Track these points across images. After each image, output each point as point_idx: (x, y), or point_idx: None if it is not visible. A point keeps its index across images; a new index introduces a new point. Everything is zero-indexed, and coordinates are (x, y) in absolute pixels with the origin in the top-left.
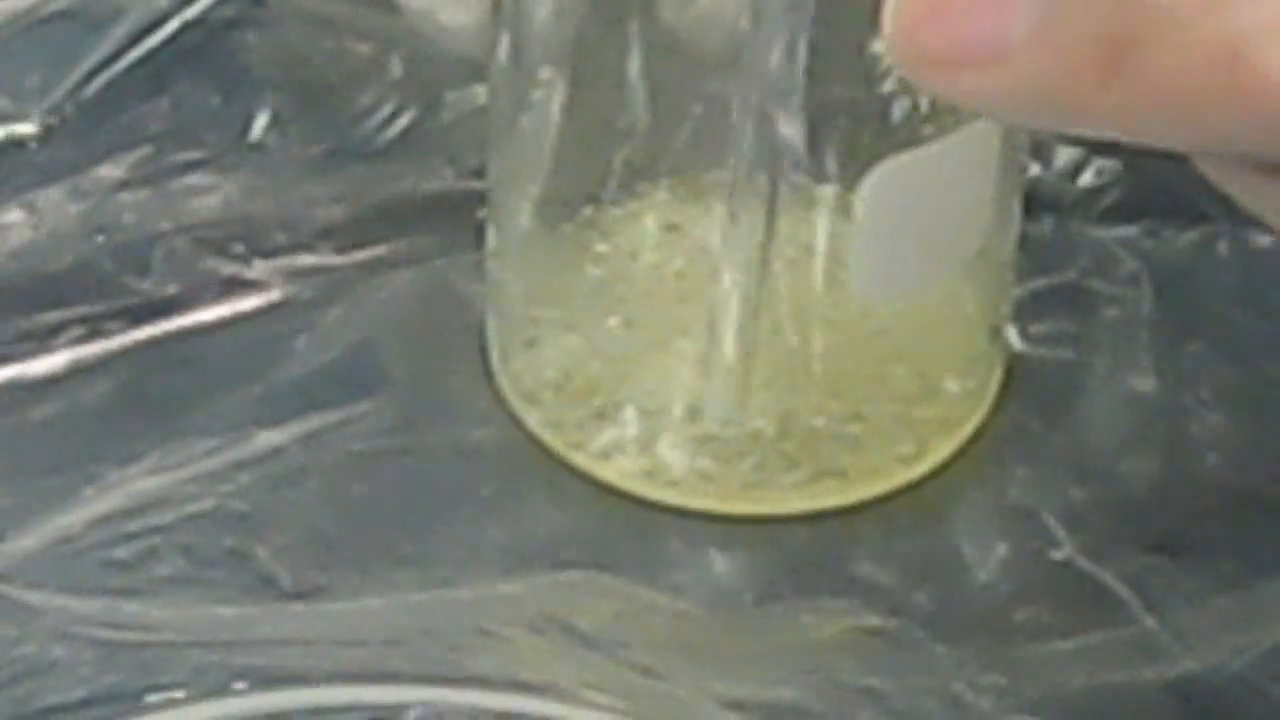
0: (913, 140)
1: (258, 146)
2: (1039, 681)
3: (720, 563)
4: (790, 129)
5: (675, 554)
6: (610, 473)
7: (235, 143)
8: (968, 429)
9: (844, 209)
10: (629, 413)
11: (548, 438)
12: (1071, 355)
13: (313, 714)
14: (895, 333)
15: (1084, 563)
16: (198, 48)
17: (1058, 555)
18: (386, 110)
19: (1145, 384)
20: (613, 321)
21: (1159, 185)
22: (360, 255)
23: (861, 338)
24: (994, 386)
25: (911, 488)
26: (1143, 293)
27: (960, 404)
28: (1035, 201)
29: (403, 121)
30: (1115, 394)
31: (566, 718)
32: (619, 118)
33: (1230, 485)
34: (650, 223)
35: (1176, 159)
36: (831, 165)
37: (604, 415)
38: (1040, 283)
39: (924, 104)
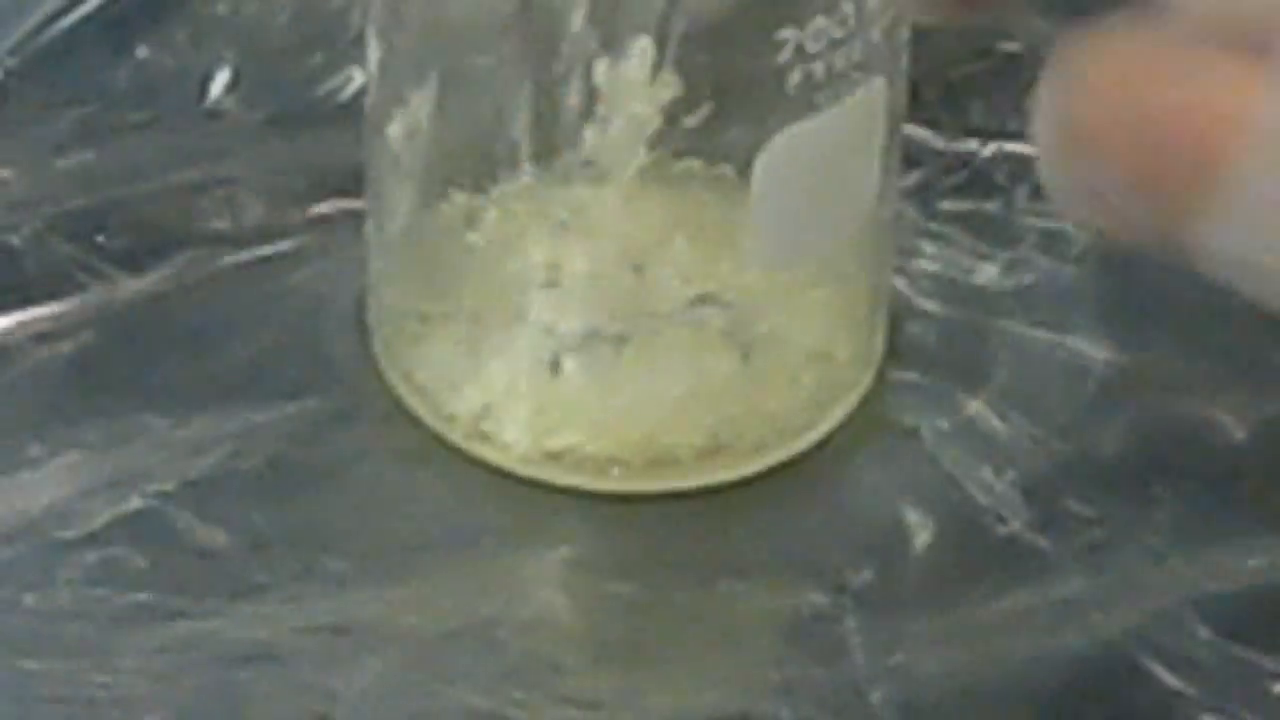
0: (804, 110)
1: (213, 109)
2: (965, 652)
3: (619, 550)
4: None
5: (583, 542)
6: (511, 460)
7: (190, 104)
8: (855, 395)
9: (726, 184)
10: (520, 400)
11: (442, 429)
12: (1018, 322)
13: None
14: (783, 301)
15: (1002, 527)
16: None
17: (985, 520)
18: (343, 74)
19: (1088, 351)
20: (496, 314)
21: None
22: (312, 215)
23: (750, 308)
24: (879, 350)
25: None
26: (1090, 260)
27: (848, 370)
28: (987, 181)
29: (360, 85)
30: (1062, 360)
31: None
32: (494, 115)
33: (1172, 455)
34: (522, 211)
35: None
36: (725, 139)
37: (495, 404)
38: (986, 257)
39: (819, 71)
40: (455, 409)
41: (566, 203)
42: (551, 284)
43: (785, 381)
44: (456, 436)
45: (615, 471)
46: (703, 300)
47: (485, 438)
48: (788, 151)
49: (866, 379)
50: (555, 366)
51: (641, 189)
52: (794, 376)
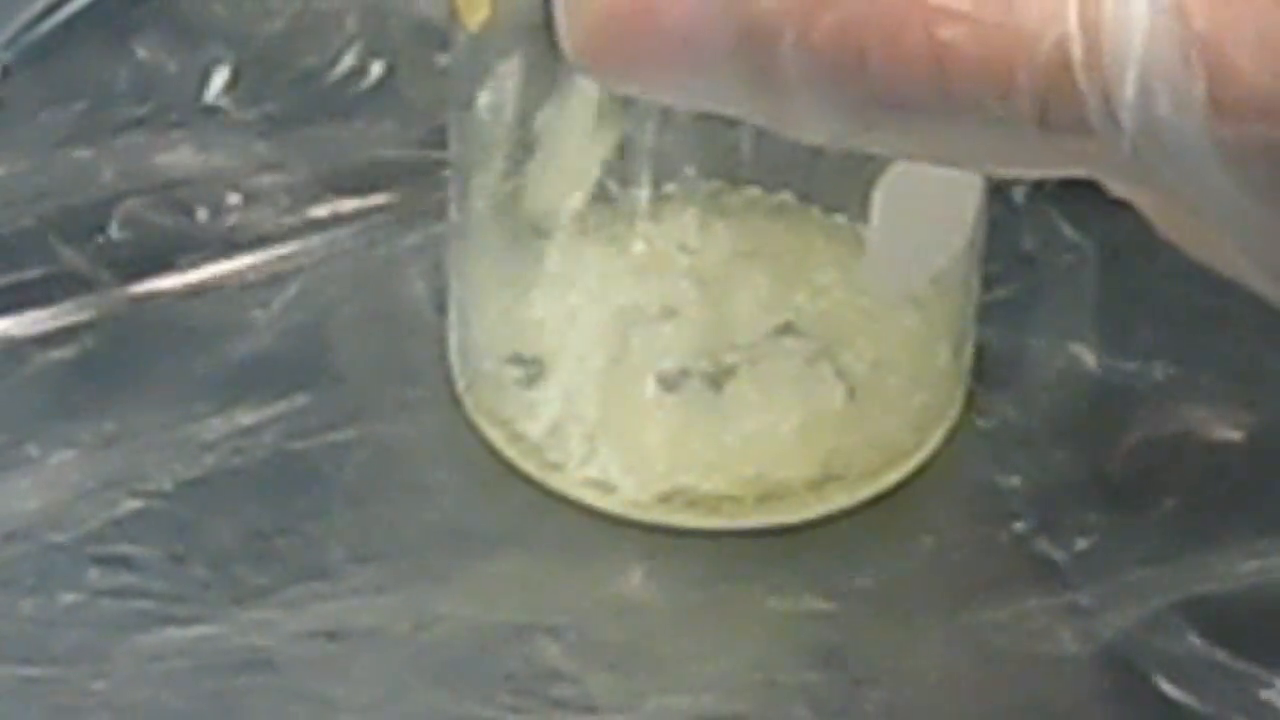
0: None
1: (211, 107)
2: (963, 655)
3: (651, 566)
4: None
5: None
6: (622, 505)
7: (189, 102)
8: (953, 412)
9: (789, 210)
10: (624, 444)
11: (550, 479)
12: (1016, 329)
13: None
14: (870, 327)
15: (1023, 536)
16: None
17: (997, 530)
18: (342, 72)
19: (1090, 357)
20: (583, 355)
21: None
22: (311, 215)
23: (835, 336)
24: (968, 365)
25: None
26: (1088, 267)
27: (946, 389)
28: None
29: (359, 84)
30: (1060, 368)
31: None
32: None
33: (1168, 460)
34: (592, 249)
35: None
36: (782, 164)
37: (598, 449)
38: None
39: None
40: (558, 458)
41: (635, 238)
42: (634, 322)
43: (892, 408)
44: (565, 485)
45: (726, 509)
46: (785, 330)
47: (594, 484)
48: (906, 177)
49: (960, 395)
50: (656, 406)
51: (705, 220)
52: (899, 402)
